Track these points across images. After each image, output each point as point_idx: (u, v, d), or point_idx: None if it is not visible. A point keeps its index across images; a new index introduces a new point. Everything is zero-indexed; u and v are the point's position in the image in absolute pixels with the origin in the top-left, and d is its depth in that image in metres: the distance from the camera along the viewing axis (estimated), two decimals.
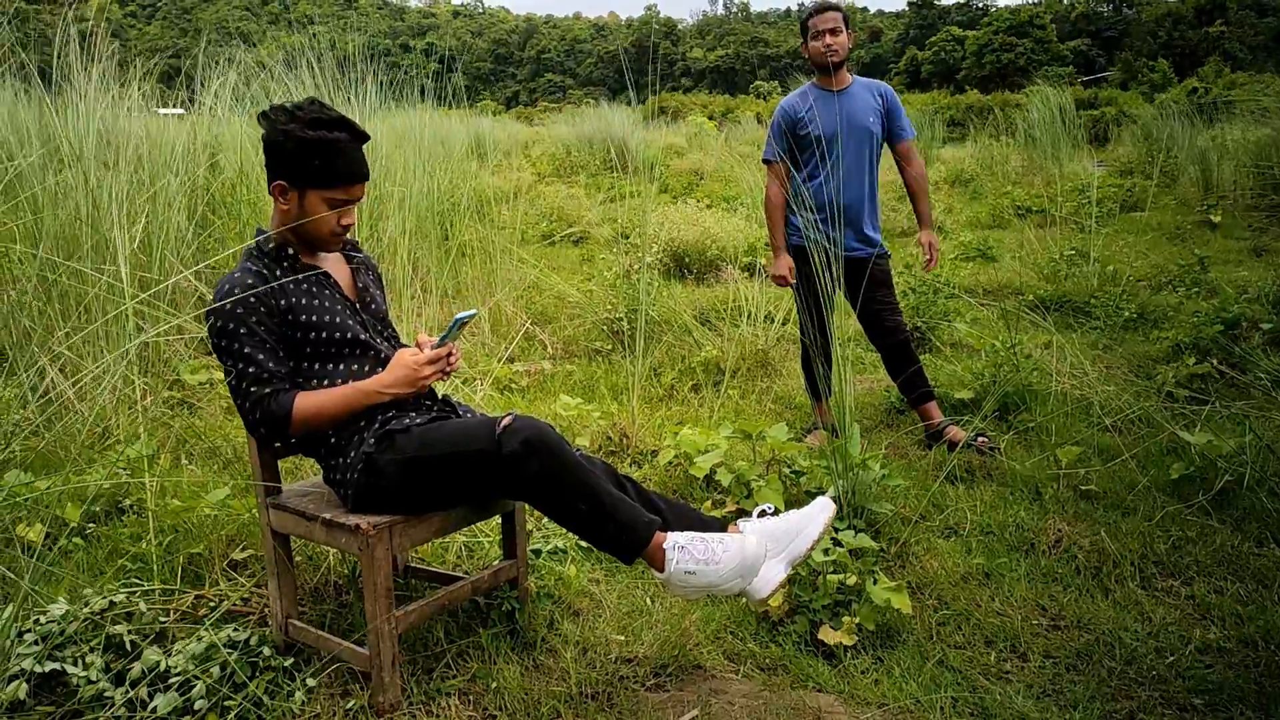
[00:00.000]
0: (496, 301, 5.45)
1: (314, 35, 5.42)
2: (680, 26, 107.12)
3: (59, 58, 4.41)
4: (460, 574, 2.44)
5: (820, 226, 3.59)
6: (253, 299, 2.03)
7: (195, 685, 1.97)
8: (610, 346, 5.29)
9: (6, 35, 4.79)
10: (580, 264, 7.83)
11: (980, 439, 3.59)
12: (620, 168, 11.65)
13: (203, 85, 5.21)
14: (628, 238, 6.83)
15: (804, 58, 3.83)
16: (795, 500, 3.05)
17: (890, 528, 2.90)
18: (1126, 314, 5.50)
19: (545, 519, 2.86)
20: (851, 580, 2.45)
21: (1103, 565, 2.71)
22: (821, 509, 2.15)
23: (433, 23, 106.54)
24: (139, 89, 5.00)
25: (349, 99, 5.41)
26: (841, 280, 3.62)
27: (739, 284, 5.85)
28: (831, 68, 3.72)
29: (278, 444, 2.18)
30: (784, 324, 5.32)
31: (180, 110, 5.52)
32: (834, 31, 3.70)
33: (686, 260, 7.35)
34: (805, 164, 3.77)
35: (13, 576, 2.24)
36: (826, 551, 2.50)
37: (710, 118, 24.14)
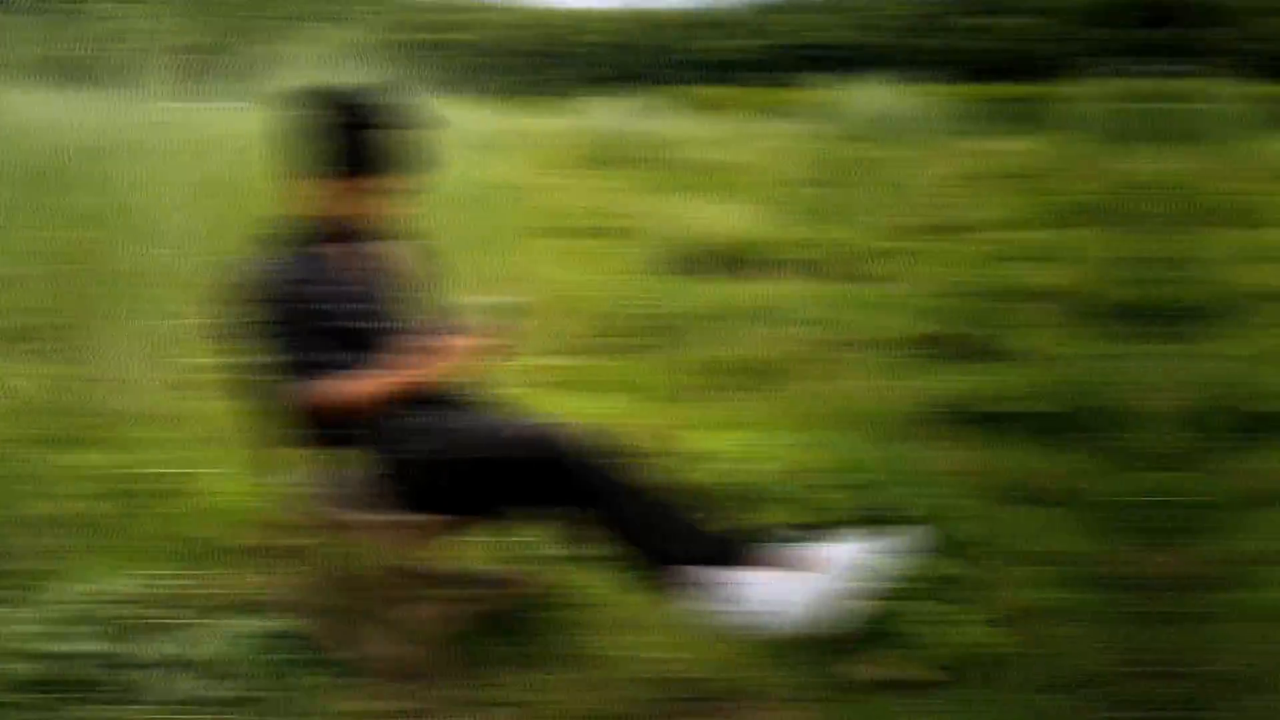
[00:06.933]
0: (517, 295, 5.38)
1: (342, 29, 5.54)
2: (716, 15, 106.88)
3: (101, 52, 4.59)
4: (487, 577, 2.41)
5: None
6: (286, 283, 2.01)
7: (210, 670, 1.96)
8: (641, 343, 5.14)
9: (49, 30, 4.93)
10: (604, 258, 7.75)
11: None
12: (640, 160, 11.65)
13: (242, 79, 5.33)
14: (637, 235, 6.79)
15: None
16: (860, 519, 2.83)
17: (976, 554, 2.65)
18: None
19: (578, 527, 2.75)
20: (927, 609, 2.24)
21: None
22: (891, 542, 2.11)
23: (456, 19, 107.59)
24: (179, 82, 5.10)
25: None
26: None
27: (777, 283, 5.70)
28: None
29: (306, 432, 2.12)
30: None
31: (219, 104, 5.65)
32: None
33: (719, 256, 7.19)
34: None
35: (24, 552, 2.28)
36: (900, 578, 2.30)
37: (749, 111, 23.91)
